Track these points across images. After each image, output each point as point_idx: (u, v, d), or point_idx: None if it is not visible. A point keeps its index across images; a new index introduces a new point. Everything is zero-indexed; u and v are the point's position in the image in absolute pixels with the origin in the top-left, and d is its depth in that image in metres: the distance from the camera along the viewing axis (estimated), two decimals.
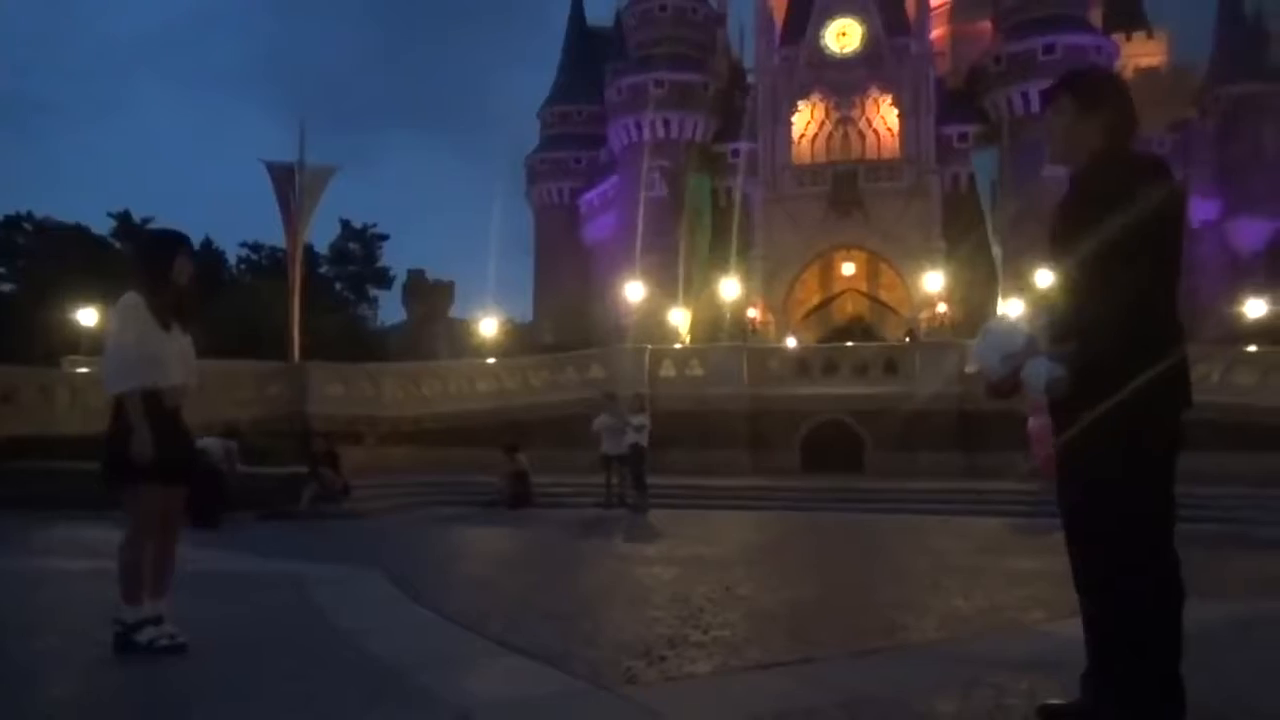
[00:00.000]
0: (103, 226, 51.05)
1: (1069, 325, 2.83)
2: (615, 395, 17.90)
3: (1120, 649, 2.82)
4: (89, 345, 27.92)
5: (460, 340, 44.27)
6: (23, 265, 47.17)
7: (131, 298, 4.58)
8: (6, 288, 47.29)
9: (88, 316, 29.73)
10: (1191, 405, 2.82)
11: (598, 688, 3.70)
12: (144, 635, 4.36)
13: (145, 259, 4.76)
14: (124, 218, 52.55)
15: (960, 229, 39.13)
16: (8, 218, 48.93)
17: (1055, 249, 2.96)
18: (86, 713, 3.53)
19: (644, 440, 16.16)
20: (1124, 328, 2.70)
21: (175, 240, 4.77)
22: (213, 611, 5.31)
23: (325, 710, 3.45)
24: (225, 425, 15.65)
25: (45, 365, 24.61)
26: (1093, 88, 3.07)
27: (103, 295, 31.51)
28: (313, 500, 14.66)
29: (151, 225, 52.81)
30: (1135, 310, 2.69)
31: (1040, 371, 2.82)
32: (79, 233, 48.96)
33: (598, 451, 16.81)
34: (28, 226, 49.45)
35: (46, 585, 7.15)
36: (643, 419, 16.42)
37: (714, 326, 38.82)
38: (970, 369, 3.18)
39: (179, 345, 4.68)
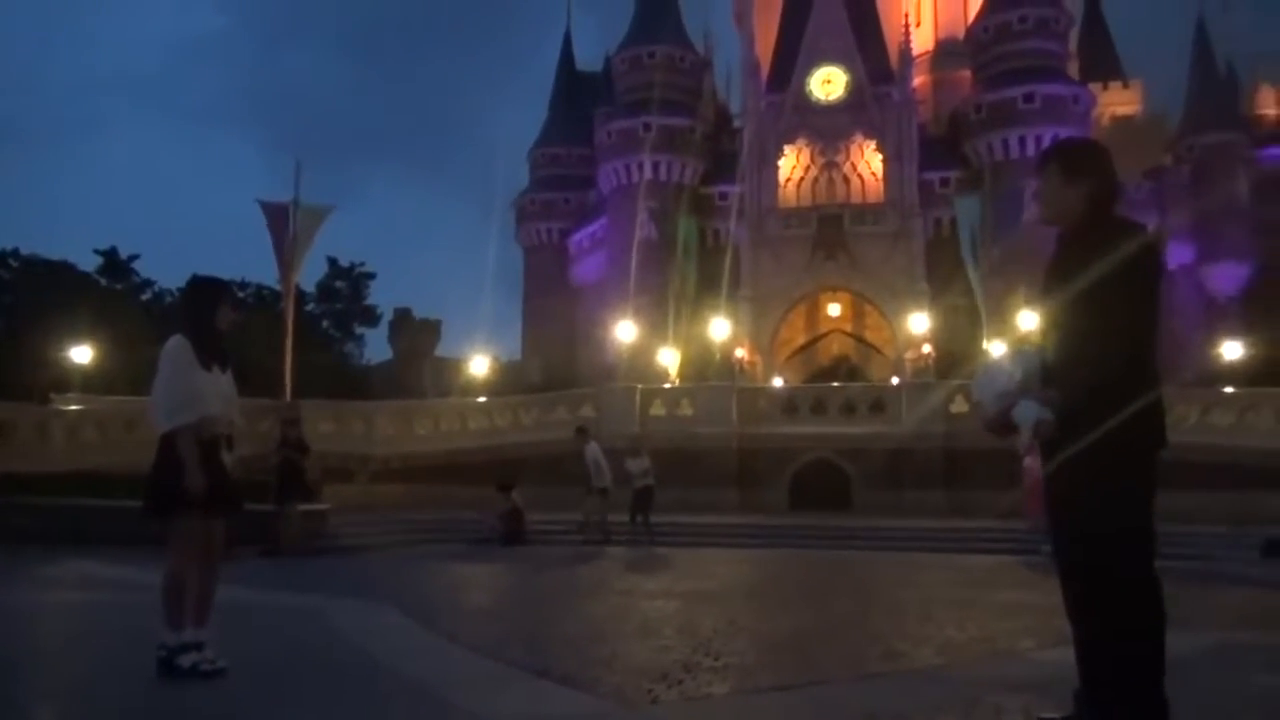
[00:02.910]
0: (88, 263, 51.16)
1: (1055, 372, 3.16)
2: (587, 429, 18.13)
3: (1108, 670, 3.09)
4: (81, 382, 27.91)
5: (446, 379, 44.38)
6: (8, 302, 47.10)
7: (178, 340, 4.88)
8: None
9: (80, 354, 29.74)
10: (1166, 445, 3.14)
11: (625, 707, 3.96)
12: (186, 660, 4.59)
13: (192, 305, 5.07)
14: (110, 254, 52.70)
15: (944, 272, 39.85)
16: None
17: (1044, 302, 3.30)
18: None
19: (651, 480, 16.69)
20: (1103, 376, 3.03)
21: (219, 289, 5.10)
22: (243, 639, 5.52)
23: None
24: None
25: (31, 402, 24.62)
26: (1078, 157, 3.37)
27: (90, 332, 31.64)
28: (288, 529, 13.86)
29: (137, 262, 53.15)
30: (1113, 359, 3.02)
31: (1029, 413, 3.12)
32: (65, 269, 48.99)
33: (588, 485, 16.89)
34: (13, 263, 49.42)
35: (71, 616, 7.32)
36: (644, 462, 16.93)
37: (702, 366, 39.19)
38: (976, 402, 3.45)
39: (221, 384, 4.97)
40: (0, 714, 3.86)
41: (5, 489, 15.88)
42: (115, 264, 52.58)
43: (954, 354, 34.78)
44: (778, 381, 35.59)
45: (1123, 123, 49.90)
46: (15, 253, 49.55)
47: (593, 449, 16.94)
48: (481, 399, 29.12)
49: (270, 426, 22.49)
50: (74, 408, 22.71)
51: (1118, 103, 51.35)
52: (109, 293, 48.98)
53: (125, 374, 28.21)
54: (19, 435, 18.86)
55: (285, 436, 14.81)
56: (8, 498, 15.42)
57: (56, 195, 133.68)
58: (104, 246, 52.46)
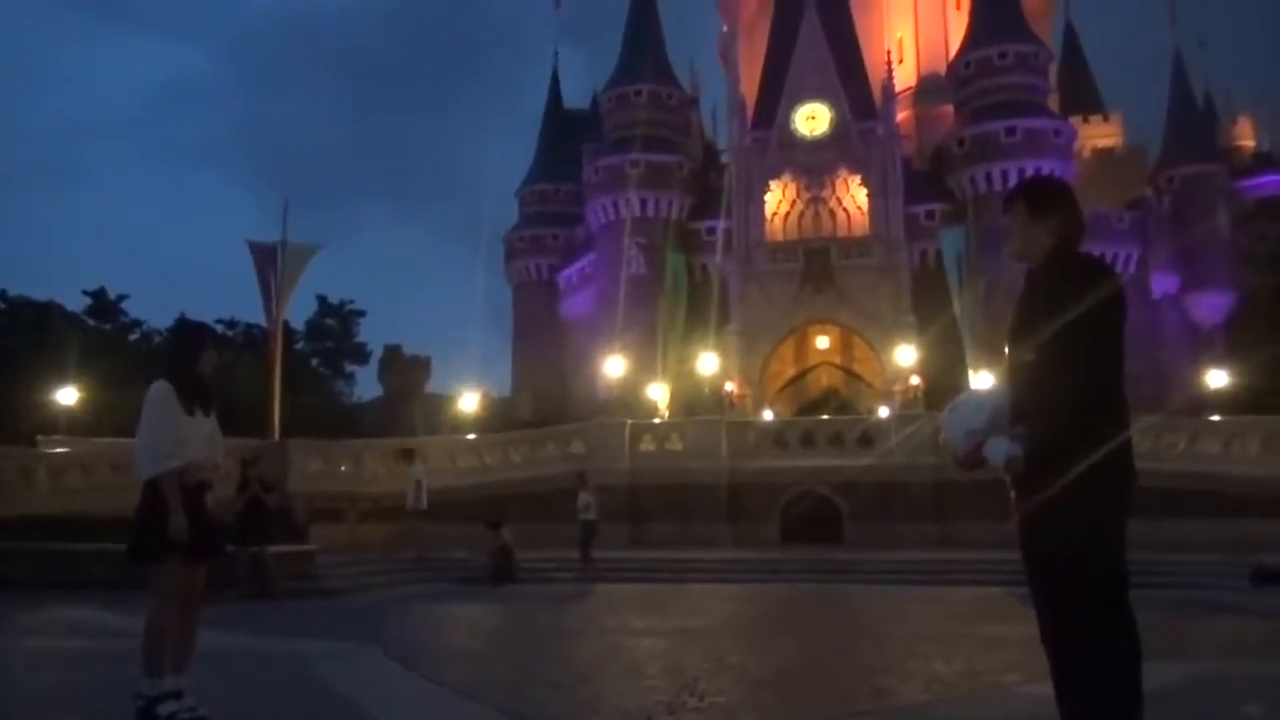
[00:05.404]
0: (77, 304, 51.00)
1: (1024, 409, 3.21)
2: (414, 451, 19.41)
3: (1085, 708, 3.10)
4: (67, 424, 27.76)
5: (437, 416, 44.30)
6: None
7: (161, 386, 4.88)
8: None
9: (66, 396, 29.58)
10: (1134, 480, 3.17)
11: None
12: (165, 709, 4.54)
13: (174, 350, 5.09)
14: (98, 295, 52.58)
15: (930, 303, 40.08)
16: None
17: (1013, 339, 3.35)
18: None
19: (593, 516, 16.92)
20: (1070, 413, 3.07)
21: (202, 333, 5.12)
22: (225, 688, 5.47)
23: None
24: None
25: (18, 445, 24.45)
26: (1044, 196, 3.45)
27: (77, 374, 31.52)
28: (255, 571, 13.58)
29: (126, 302, 53.09)
30: (1079, 396, 3.07)
31: (999, 450, 3.15)
32: (52, 309, 48.82)
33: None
34: (1, 305, 49.25)
35: (52, 664, 7.24)
36: (586, 497, 17.18)
37: (692, 400, 39.20)
38: (942, 441, 3.49)
39: (205, 428, 4.97)
40: None
41: None
42: (104, 304, 52.40)
43: (942, 385, 34.87)
44: (767, 415, 35.60)
45: (1104, 155, 50.57)
46: (1, 294, 49.40)
47: (417, 469, 17.43)
48: (471, 436, 29.04)
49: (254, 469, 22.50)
50: (59, 450, 22.55)
51: (1098, 135, 52.08)
52: (97, 333, 48.80)
53: (112, 415, 28.06)
54: (2, 479, 18.69)
55: (246, 477, 14.74)
56: None
57: (45, 239, 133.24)
58: (93, 288, 52.45)
